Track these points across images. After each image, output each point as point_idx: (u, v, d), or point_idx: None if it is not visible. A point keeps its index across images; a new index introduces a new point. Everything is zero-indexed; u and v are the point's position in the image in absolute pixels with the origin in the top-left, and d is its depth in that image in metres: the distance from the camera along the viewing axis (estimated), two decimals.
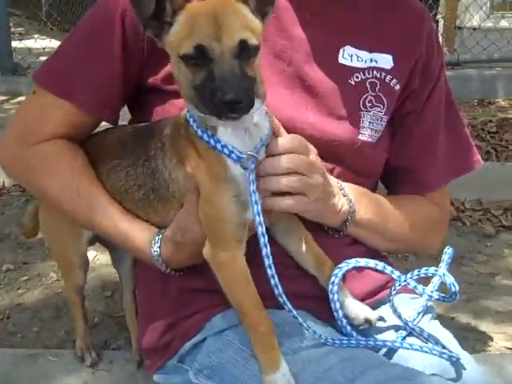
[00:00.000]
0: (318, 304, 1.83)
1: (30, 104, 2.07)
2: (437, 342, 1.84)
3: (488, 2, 8.19)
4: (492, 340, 2.94)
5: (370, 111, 1.97)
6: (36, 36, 8.31)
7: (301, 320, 1.70)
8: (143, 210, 1.88)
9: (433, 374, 1.73)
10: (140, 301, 2.14)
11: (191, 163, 1.70)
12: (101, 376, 2.38)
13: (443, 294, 1.90)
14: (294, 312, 1.68)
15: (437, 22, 7.99)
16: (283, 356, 1.66)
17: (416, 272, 1.84)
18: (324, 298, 1.79)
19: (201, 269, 1.80)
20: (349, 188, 1.92)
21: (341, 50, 1.96)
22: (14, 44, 7.06)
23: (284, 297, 1.66)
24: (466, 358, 1.83)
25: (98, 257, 3.41)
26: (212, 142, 1.65)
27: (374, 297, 1.99)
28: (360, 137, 1.95)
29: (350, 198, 1.90)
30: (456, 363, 1.77)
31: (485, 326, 3.05)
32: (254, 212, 1.63)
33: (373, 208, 1.98)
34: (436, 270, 1.86)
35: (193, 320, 1.88)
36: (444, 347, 1.81)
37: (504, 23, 8.07)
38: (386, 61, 1.99)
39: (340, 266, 1.81)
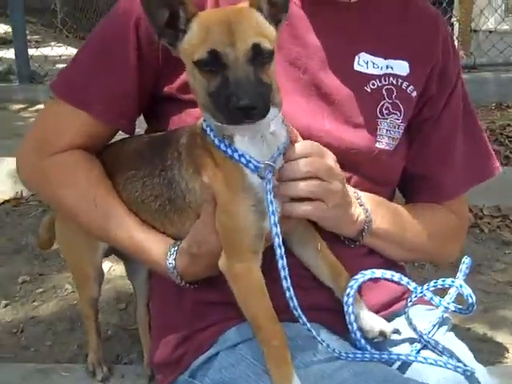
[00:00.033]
0: (333, 316, 1.81)
1: (47, 114, 2.08)
2: (451, 355, 1.81)
3: (503, 5, 8.11)
4: (508, 351, 2.91)
5: (386, 118, 1.94)
6: (52, 44, 8.37)
7: (315, 333, 1.68)
8: (159, 220, 1.87)
9: None
10: (154, 313, 2.12)
11: (208, 173, 1.69)
12: None
13: (460, 306, 1.87)
14: (308, 325, 1.66)
15: (452, 25, 7.95)
16: (295, 370, 1.64)
17: (432, 283, 1.82)
18: (339, 310, 1.78)
19: (216, 281, 1.78)
20: (365, 197, 1.90)
21: (356, 57, 1.94)
22: (31, 52, 7.10)
23: (299, 310, 1.65)
24: (480, 371, 1.80)
25: (113, 268, 3.41)
26: (229, 151, 1.64)
27: (389, 308, 1.96)
28: (377, 145, 1.93)
29: (366, 207, 1.88)
30: (471, 377, 1.75)
31: (501, 337, 3.02)
32: (271, 223, 1.61)
33: (390, 218, 1.96)
34: (453, 281, 1.83)
35: (207, 333, 1.86)
36: (459, 360, 1.79)
37: None
38: (401, 67, 1.97)
39: (356, 277, 1.79)
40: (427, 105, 2.04)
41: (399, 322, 1.90)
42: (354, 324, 1.76)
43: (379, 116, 1.94)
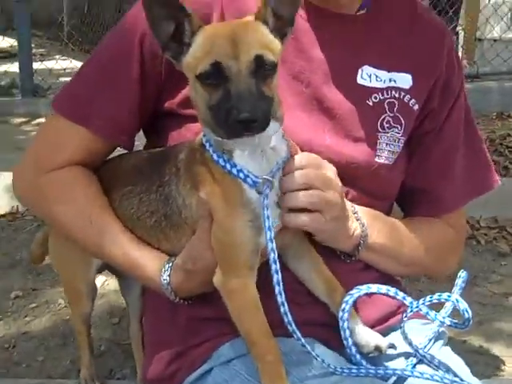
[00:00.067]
0: (328, 331, 1.80)
1: (46, 130, 2.07)
2: (448, 369, 1.79)
3: (509, 13, 8.09)
4: (504, 364, 2.90)
5: (387, 132, 1.93)
6: (57, 57, 8.37)
7: (309, 349, 1.67)
8: (155, 236, 1.86)
9: None
10: (147, 329, 2.11)
11: (206, 188, 1.69)
12: None
13: (456, 320, 1.86)
14: (303, 341, 1.65)
15: (457, 33, 7.94)
16: None
17: (428, 298, 1.80)
18: (334, 325, 1.76)
19: (210, 297, 1.77)
20: (362, 211, 1.89)
21: (359, 70, 1.93)
22: (35, 66, 7.12)
23: (293, 325, 1.64)
24: None
25: (107, 282, 3.40)
26: (228, 166, 1.63)
27: (384, 323, 1.95)
28: (377, 159, 1.92)
29: (362, 221, 1.87)
30: None
31: (497, 350, 3.01)
32: (267, 238, 1.61)
33: (386, 232, 1.95)
34: (449, 296, 1.81)
35: (201, 349, 1.85)
36: (455, 375, 1.76)
37: None
38: (404, 80, 1.96)
39: (351, 292, 1.78)
40: (429, 117, 2.02)
41: (395, 337, 1.88)
42: (349, 339, 1.75)
43: (380, 130, 1.93)
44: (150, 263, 1.84)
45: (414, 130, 2.01)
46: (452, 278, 1.91)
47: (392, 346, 1.79)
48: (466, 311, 1.77)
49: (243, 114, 1.44)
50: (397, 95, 1.95)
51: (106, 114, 1.90)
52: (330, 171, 1.75)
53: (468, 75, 6.77)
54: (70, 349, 2.91)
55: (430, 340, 1.88)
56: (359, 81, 1.93)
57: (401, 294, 1.81)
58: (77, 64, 7.34)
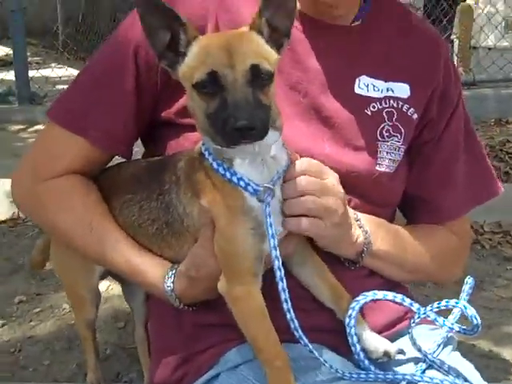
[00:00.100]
0: (335, 337, 1.79)
1: (44, 138, 2.06)
2: (458, 374, 1.78)
3: (503, 22, 8.14)
4: None
5: (387, 141, 1.93)
6: (53, 65, 8.44)
7: (317, 354, 1.66)
8: (156, 244, 1.85)
9: None
10: (153, 335, 2.10)
11: (207, 196, 1.68)
12: None
13: (464, 326, 1.85)
14: (310, 346, 1.64)
15: (451, 42, 8.00)
16: None
17: (436, 304, 1.80)
18: (341, 331, 1.75)
19: (215, 303, 1.76)
20: (365, 219, 1.89)
21: (356, 80, 1.93)
22: (31, 73, 7.17)
23: (300, 331, 1.63)
24: None
25: (111, 287, 3.39)
26: (228, 174, 1.63)
27: (392, 329, 1.94)
28: (378, 167, 1.91)
29: (365, 229, 1.86)
30: None
31: (507, 353, 3.00)
32: (271, 246, 1.61)
33: (390, 239, 1.94)
34: (457, 303, 1.80)
35: (206, 355, 1.84)
36: (466, 380, 1.76)
37: None
38: (402, 90, 1.96)
39: (357, 298, 1.77)
40: (427, 127, 2.02)
41: (403, 342, 1.88)
42: (357, 345, 1.74)
43: (379, 139, 1.93)
44: (152, 269, 1.84)
45: (414, 140, 2.00)
46: (458, 283, 1.91)
47: (401, 352, 1.78)
48: (475, 317, 1.76)
49: (240, 121, 1.44)
50: (395, 105, 1.95)
51: (102, 126, 1.89)
52: (332, 177, 1.75)
53: (465, 83, 6.79)
54: (75, 352, 2.91)
55: (439, 345, 1.87)
56: (357, 90, 1.93)
57: (408, 301, 1.80)
58: (73, 72, 7.38)
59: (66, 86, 2.02)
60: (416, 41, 2.02)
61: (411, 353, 1.82)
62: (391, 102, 1.95)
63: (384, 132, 1.93)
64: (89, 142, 1.90)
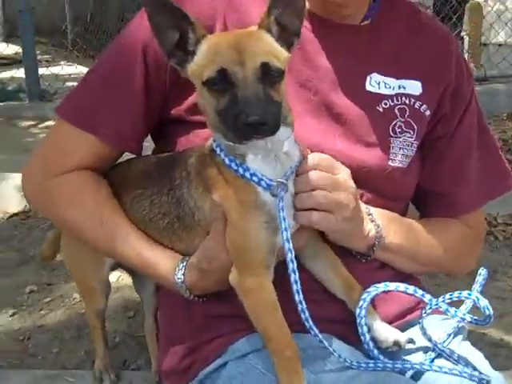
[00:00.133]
0: (346, 328, 1.79)
1: (54, 135, 2.06)
2: (467, 363, 1.78)
3: None
4: None
5: (399, 137, 1.92)
6: (62, 63, 8.50)
7: (326, 344, 1.66)
8: (167, 238, 1.86)
9: None
10: (162, 325, 2.10)
11: (219, 191, 1.68)
12: None
13: (476, 317, 1.84)
14: (320, 336, 1.64)
15: (462, 39, 7.98)
16: (306, 381, 1.61)
17: (448, 295, 1.79)
18: (352, 321, 1.75)
19: (225, 295, 1.76)
20: (377, 213, 1.88)
21: (367, 78, 1.92)
22: (41, 71, 7.22)
23: (310, 321, 1.63)
24: (497, 379, 1.77)
25: (121, 277, 3.39)
26: (240, 170, 1.63)
27: (402, 319, 1.93)
28: (390, 163, 1.91)
29: (377, 223, 1.86)
30: None
31: None
32: (284, 239, 1.61)
33: (402, 233, 1.94)
34: (470, 294, 1.80)
35: (214, 344, 1.84)
36: (475, 369, 1.75)
37: None
38: (414, 87, 1.95)
39: (369, 290, 1.76)
40: (440, 122, 2.01)
41: (413, 332, 1.87)
42: (367, 335, 1.74)
43: (392, 135, 1.92)
44: (163, 262, 1.84)
45: (427, 135, 2.00)
46: (471, 274, 1.91)
47: (411, 341, 1.78)
48: (487, 308, 1.76)
49: (252, 117, 1.44)
50: (407, 101, 1.94)
51: (112, 124, 1.89)
52: (344, 172, 1.75)
53: (476, 78, 6.80)
54: (84, 341, 2.91)
55: (450, 335, 1.86)
56: (368, 87, 1.92)
57: (419, 292, 1.79)
58: (82, 70, 7.51)
59: (75, 83, 2.02)
60: (426, 39, 2.01)
61: (421, 342, 1.83)
62: (403, 98, 1.94)
63: (396, 128, 1.92)
64: (99, 140, 1.90)
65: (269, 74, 1.51)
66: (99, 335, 2.40)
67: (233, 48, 1.52)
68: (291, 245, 1.61)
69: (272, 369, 1.65)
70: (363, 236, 1.83)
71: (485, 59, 7.81)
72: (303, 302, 1.62)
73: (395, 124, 1.92)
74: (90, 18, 11.52)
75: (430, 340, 1.81)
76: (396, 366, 1.70)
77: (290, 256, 1.61)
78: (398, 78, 1.94)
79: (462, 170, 2.06)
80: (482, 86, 6.79)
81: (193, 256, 1.78)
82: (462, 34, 8.22)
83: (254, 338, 1.75)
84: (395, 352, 1.77)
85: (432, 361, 1.77)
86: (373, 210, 1.88)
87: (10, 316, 3.17)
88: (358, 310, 1.74)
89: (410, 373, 1.74)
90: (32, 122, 6.59)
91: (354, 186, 1.76)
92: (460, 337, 1.90)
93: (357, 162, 1.85)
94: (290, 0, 1.59)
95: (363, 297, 1.74)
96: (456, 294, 1.79)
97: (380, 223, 1.86)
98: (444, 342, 1.83)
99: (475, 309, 1.82)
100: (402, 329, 1.85)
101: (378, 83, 1.93)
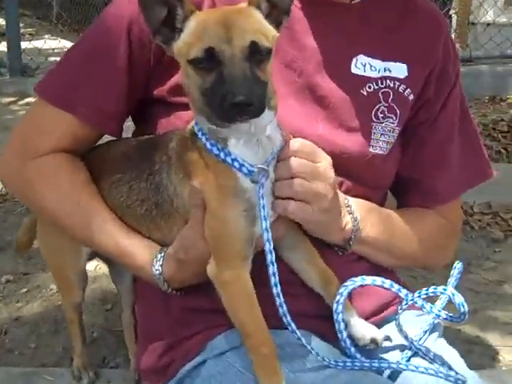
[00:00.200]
0: (323, 324, 1.79)
1: (33, 114, 2.04)
2: (443, 362, 1.78)
3: None
4: (499, 354, 2.88)
5: (382, 122, 1.91)
6: (46, 36, 8.37)
7: (304, 341, 1.66)
8: (145, 226, 1.83)
9: None
10: (140, 319, 2.09)
11: (199, 178, 1.66)
12: None
13: (451, 314, 1.84)
14: (298, 333, 1.64)
15: (450, 17, 7.92)
16: (284, 379, 1.61)
17: (424, 291, 1.79)
18: (329, 317, 1.75)
19: (204, 288, 1.75)
20: (356, 204, 1.87)
21: (353, 60, 1.91)
22: (24, 45, 7.11)
23: (288, 317, 1.63)
24: (473, 379, 1.78)
25: (99, 266, 3.36)
26: (222, 155, 1.61)
27: (379, 314, 1.94)
28: (371, 149, 1.90)
29: (355, 215, 1.85)
30: None
31: (492, 339, 2.99)
32: (263, 228, 1.60)
33: (380, 225, 1.93)
34: (445, 289, 1.80)
35: (193, 341, 1.83)
36: (450, 368, 1.76)
37: None
38: (400, 70, 1.94)
39: (346, 284, 1.76)
40: (423, 108, 2.00)
41: (390, 329, 1.88)
42: (344, 332, 1.74)
43: (374, 120, 1.91)
44: (140, 251, 1.82)
45: (409, 121, 1.99)
46: (447, 266, 1.90)
47: (388, 339, 1.79)
48: (462, 305, 1.75)
49: (238, 97, 1.42)
50: (391, 85, 1.93)
51: (92, 102, 1.87)
52: (325, 161, 1.73)
53: (461, 59, 6.75)
54: (61, 336, 2.89)
55: (425, 332, 1.87)
56: (353, 70, 1.91)
57: (396, 286, 1.79)
58: (66, 44, 7.37)
59: (58, 58, 1.99)
60: (416, 19, 1.99)
61: (397, 340, 1.83)
62: (388, 82, 1.92)
63: (379, 113, 1.91)
64: (77, 119, 1.87)
65: (257, 53, 1.49)
66: (76, 330, 2.38)
67: (221, 25, 1.49)
68: (270, 234, 1.60)
69: (250, 367, 1.65)
70: (340, 228, 1.82)
71: (471, 39, 7.76)
72: (281, 295, 1.61)
73: (378, 109, 1.91)
74: None
75: (406, 337, 1.81)
76: (373, 365, 1.71)
77: (269, 246, 1.59)
78: (384, 60, 1.92)
79: (443, 155, 2.05)
80: (466, 66, 6.73)
81: (170, 246, 1.76)
82: (451, 12, 8.15)
83: (231, 334, 1.75)
84: (372, 349, 1.77)
85: (408, 359, 1.78)
86: (352, 200, 1.87)
87: None
88: (335, 305, 1.73)
89: (387, 372, 1.75)
90: (12, 99, 6.49)
91: (333, 176, 1.74)
92: (436, 334, 1.91)
93: (339, 148, 1.84)
94: None
95: (340, 291, 1.74)
96: (432, 289, 1.79)
97: (358, 215, 1.85)
98: (420, 339, 1.84)
99: (451, 304, 1.82)
100: (379, 325, 1.86)
101: (364, 65, 1.91)
